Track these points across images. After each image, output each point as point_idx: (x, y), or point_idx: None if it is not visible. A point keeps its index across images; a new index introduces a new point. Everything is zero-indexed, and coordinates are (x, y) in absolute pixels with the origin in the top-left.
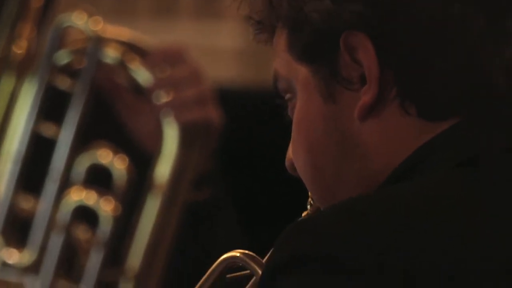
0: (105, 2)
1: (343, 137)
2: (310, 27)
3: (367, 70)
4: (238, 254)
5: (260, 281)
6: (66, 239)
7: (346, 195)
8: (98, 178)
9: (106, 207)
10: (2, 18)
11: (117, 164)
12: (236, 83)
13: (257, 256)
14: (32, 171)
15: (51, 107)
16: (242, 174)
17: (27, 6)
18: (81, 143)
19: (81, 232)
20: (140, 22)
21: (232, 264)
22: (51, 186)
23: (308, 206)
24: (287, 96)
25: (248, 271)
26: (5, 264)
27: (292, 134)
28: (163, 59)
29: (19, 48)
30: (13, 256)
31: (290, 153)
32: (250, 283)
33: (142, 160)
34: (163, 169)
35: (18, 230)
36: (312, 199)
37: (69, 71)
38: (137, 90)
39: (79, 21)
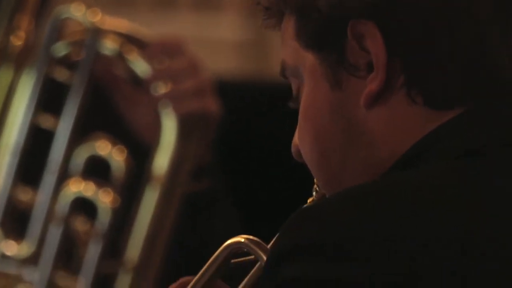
0: None
1: (349, 125)
2: (318, 14)
3: (375, 57)
4: (243, 240)
5: (265, 267)
6: (65, 231)
7: (352, 182)
8: (97, 170)
9: (104, 199)
10: (0, 10)
11: (116, 156)
12: (236, 75)
13: (262, 242)
14: (31, 163)
15: (49, 99)
16: (241, 165)
17: None
18: (79, 135)
19: (80, 224)
20: (140, 14)
21: (237, 250)
22: (49, 178)
23: (314, 193)
24: (294, 82)
25: (252, 257)
26: (3, 256)
27: (299, 120)
28: (161, 51)
29: (17, 40)
30: (12, 248)
31: (296, 139)
32: (255, 268)
33: (141, 152)
34: (162, 160)
35: (16, 222)
36: (317, 186)
37: (67, 62)
38: (136, 81)
39: (77, 12)
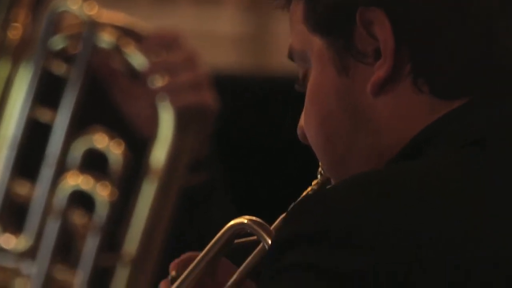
0: None
1: (356, 111)
2: None
3: (383, 44)
4: (245, 221)
5: (268, 254)
6: (63, 224)
7: (357, 167)
8: (94, 163)
9: (102, 192)
10: None
11: (113, 149)
12: (235, 69)
13: (264, 223)
14: (28, 156)
15: (46, 92)
16: (239, 159)
17: None
18: (77, 128)
19: (78, 217)
20: (139, 8)
21: (240, 231)
22: (47, 171)
23: (318, 175)
24: (301, 66)
25: (255, 237)
26: (1, 250)
27: (305, 103)
28: (159, 44)
29: (14, 34)
30: (10, 242)
31: (302, 122)
32: (257, 249)
33: (138, 145)
34: (159, 153)
35: (14, 215)
36: (322, 169)
37: (64, 56)
38: (133, 74)
39: (74, 6)
